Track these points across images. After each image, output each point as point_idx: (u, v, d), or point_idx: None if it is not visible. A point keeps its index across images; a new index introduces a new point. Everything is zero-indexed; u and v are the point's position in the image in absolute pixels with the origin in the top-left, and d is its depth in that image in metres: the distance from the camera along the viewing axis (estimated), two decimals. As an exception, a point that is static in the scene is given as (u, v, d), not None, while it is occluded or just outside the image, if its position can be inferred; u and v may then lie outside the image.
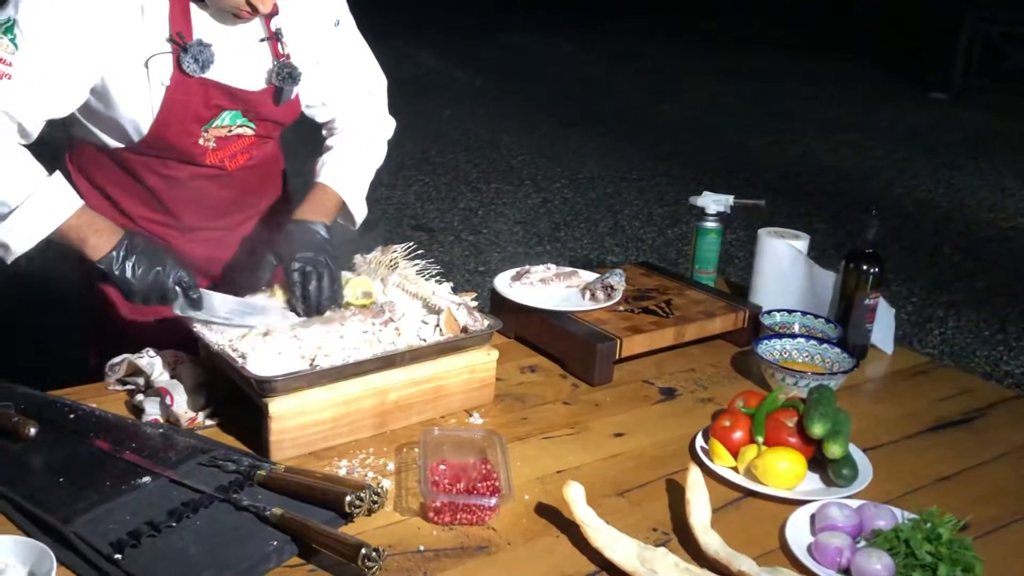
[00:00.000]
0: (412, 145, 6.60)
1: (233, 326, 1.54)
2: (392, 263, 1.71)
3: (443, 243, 5.16)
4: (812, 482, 1.43)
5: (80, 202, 1.52)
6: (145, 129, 1.61)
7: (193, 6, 1.56)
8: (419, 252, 1.74)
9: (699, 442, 1.51)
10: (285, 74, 1.67)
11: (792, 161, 7.08)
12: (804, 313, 1.95)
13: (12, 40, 1.43)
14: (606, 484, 1.41)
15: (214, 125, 1.67)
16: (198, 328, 1.52)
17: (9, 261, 1.52)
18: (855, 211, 5.70)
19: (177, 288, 1.50)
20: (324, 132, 1.93)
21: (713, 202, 2.16)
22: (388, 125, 1.97)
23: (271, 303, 1.62)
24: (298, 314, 1.59)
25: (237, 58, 1.63)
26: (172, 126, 1.62)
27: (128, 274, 1.49)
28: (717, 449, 1.46)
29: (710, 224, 2.16)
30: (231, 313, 1.56)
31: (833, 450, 1.41)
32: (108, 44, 1.50)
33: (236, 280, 1.77)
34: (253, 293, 1.65)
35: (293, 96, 1.73)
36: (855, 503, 1.33)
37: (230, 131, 1.70)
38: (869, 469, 1.44)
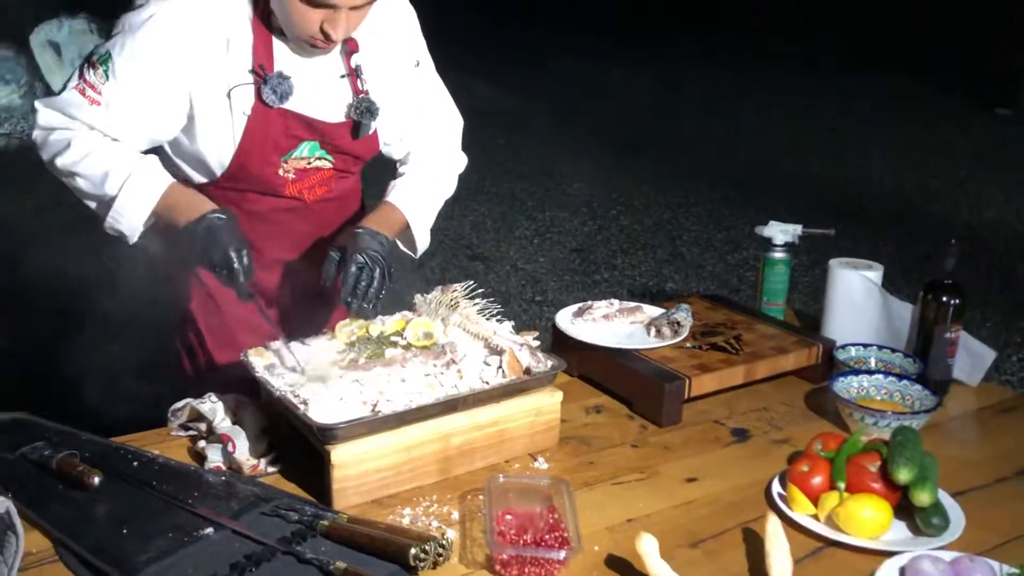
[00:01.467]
0: (467, 175, 6.54)
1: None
2: (452, 303, 1.68)
3: (499, 273, 5.13)
4: (898, 531, 1.36)
5: (169, 180, 1.61)
6: (227, 159, 1.66)
7: (276, 40, 1.63)
8: (479, 291, 1.71)
9: (776, 488, 1.45)
10: (364, 108, 1.71)
11: (853, 183, 6.92)
12: (880, 347, 1.87)
13: (105, 71, 1.57)
14: (679, 533, 1.35)
15: (293, 156, 1.71)
16: (260, 373, 1.50)
17: (132, 242, 1.63)
18: (922, 235, 5.54)
19: (233, 260, 1.52)
20: (398, 166, 1.94)
21: (780, 232, 2.09)
22: (460, 161, 1.98)
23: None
24: (348, 307, 1.61)
25: (317, 91, 1.68)
26: (253, 155, 1.66)
27: (194, 249, 1.54)
28: (796, 496, 1.39)
29: (778, 255, 2.09)
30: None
31: (921, 497, 1.33)
32: (196, 76, 1.59)
33: (298, 276, 1.80)
34: (315, 289, 1.69)
35: (371, 131, 1.76)
36: (948, 555, 1.25)
37: (309, 163, 1.74)
38: (961, 517, 1.36)
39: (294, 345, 1.59)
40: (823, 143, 8.05)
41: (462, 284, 1.71)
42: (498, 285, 4.92)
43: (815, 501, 1.38)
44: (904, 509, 1.37)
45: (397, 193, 1.83)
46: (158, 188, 1.59)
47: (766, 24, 13.88)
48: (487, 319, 1.66)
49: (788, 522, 1.35)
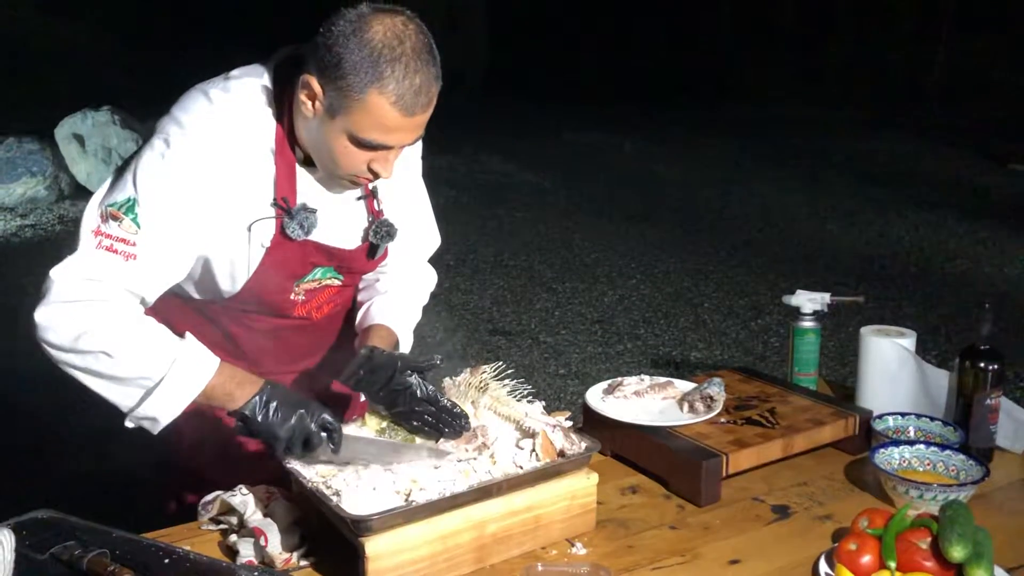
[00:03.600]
0: (485, 249, 6.65)
1: (379, 465, 1.48)
2: (482, 385, 1.66)
3: (521, 347, 5.12)
4: (955, 611, 1.30)
5: (218, 360, 1.49)
6: (239, 287, 1.61)
7: (299, 170, 1.57)
8: (509, 372, 1.69)
9: (823, 568, 1.40)
10: (383, 232, 1.69)
11: (871, 244, 6.91)
12: (919, 416, 1.83)
13: (134, 220, 1.44)
14: (727, 620, 1.31)
15: (306, 280, 1.68)
16: (291, 464, 1.48)
17: (156, 432, 1.49)
18: (946, 295, 5.50)
19: (322, 432, 1.45)
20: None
21: (809, 300, 2.07)
22: (433, 277, 1.95)
23: (410, 446, 1.53)
24: (438, 438, 1.53)
25: (336, 219, 1.64)
26: (267, 284, 1.63)
27: (271, 419, 1.44)
28: (845, 576, 1.34)
29: (807, 324, 2.07)
30: (375, 455, 1.49)
31: (978, 575, 1.28)
32: (218, 210, 1.51)
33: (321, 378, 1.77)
34: (343, 387, 1.62)
35: (383, 252, 1.75)
36: (1010, 637, 1.20)
37: (319, 284, 1.71)
38: (1019, 595, 1.31)
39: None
40: (838, 206, 8.07)
41: (491, 365, 1.70)
42: (520, 359, 4.90)
43: (865, 582, 1.33)
44: (959, 587, 1.32)
45: (386, 314, 1.77)
46: (206, 372, 1.46)
47: (773, 92, 14.07)
48: (518, 400, 1.64)
49: (839, 605, 1.30)
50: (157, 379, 1.44)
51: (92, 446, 3.24)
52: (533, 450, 1.52)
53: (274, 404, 1.45)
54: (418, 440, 1.55)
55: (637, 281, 6.23)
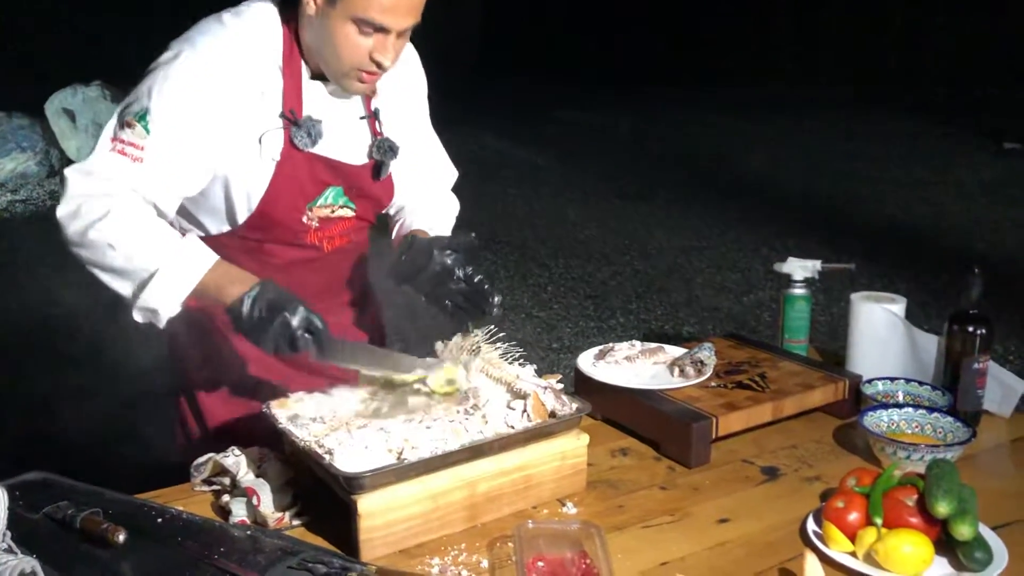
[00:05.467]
0: (479, 226, 6.62)
1: (367, 372, 1.56)
2: (474, 348, 1.67)
3: (515, 321, 5.12)
4: (940, 567, 1.32)
5: (216, 256, 1.53)
6: (254, 206, 1.65)
7: (305, 85, 1.64)
8: (500, 335, 1.70)
9: (811, 526, 1.41)
10: (385, 148, 1.74)
11: (867, 221, 6.92)
12: (908, 380, 1.84)
13: (145, 127, 1.53)
14: (715, 576, 1.32)
15: (318, 204, 1.71)
16: (283, 424, 1.49)
17: (162, 324, 1.53)
18: (939, 269, 5.51)
19: (306, 335, 1.45)
20: (395, 214, 1.92)
21: (800, 268, 2.08)
22: (456, 204, 1.99)
23: (401, 355, 1.60)
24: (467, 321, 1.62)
25: (341, 134, 1.69)
26: (279, 202, 1.66)
27: (256, 319, 1.45)
28: (832, 533, 1.35)
29: (798, 291, 2.08)
30: (364, 361, 1.55)
31: (962, 531, 1.30)
32: (229, 122, 1.58)
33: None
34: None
35: (389, 173, 1.78)
36: (994, 590, 1.22)
37: (332, 211, 1.73)
38: (1003, 551, 1.32)
39: (316, 395, 1.58)
40: (833, 184, 8.07)
41: (483, 329, 1.70)
42: (514, 333, 4.83)
43: (852, 538, 1.35)
44: (944, 544, 1.34)
45: (417, 222, 1.82)
46: (203, 264, 1.51)
47: (769, 71, 14.03)
48: (509, 363, 1.65)
49: (825, 560, 1.32)
50: (154, 269, 1.48)
51: (86, 409, 3.26)
52: (524, 411, 1.53)
53: (262, 303, 1.45)
54: (410, 402, 1.56)
55: (631, 257, 6.24)
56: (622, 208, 7.55)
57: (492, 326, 1.70)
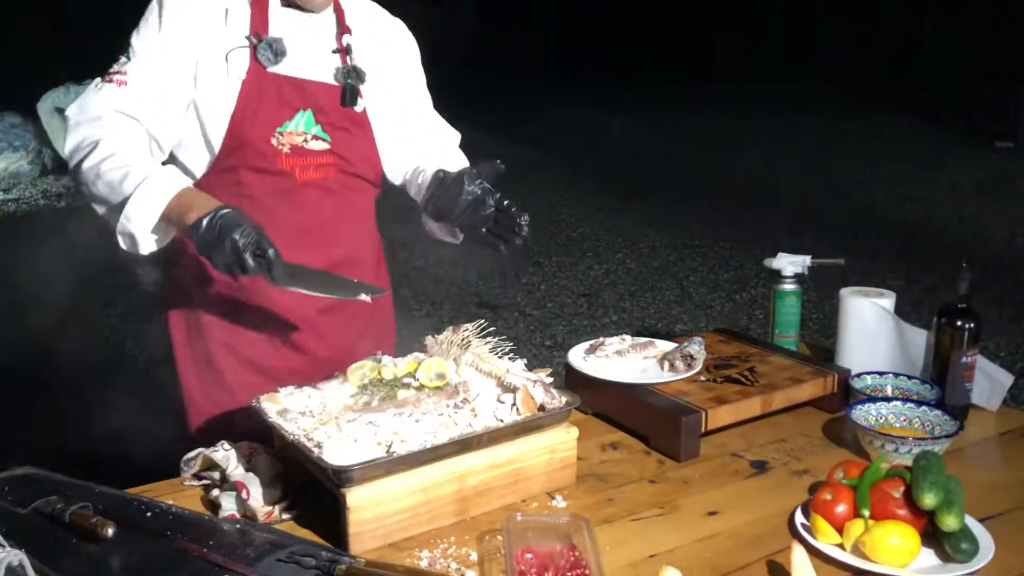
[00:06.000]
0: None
1: (318, 295, 1.64)
2: (464, 342, 1.67)
3: (508, 319, 5.13)
4: (927, 558, 1.33)
5: (185, 182, 1.60)
6: (224, 125, 1.70)
7: (274, 11, 1.74)
8: (491, 330, 1.70)
9: (799, 518, 1.42)
10: (350, 70, 1.79)
11: (858, 219, 6.94)
12: (896, 375, 1.85)
13: (127, 55, 1.70)
14: (703, 568, 1.32)
15: (288, 128, 1.74)
16: (273, 418, 1.49)
17: (144, 252, 1.60)
18: (930, 267, 5.54)
19: (256, 257, 1.48)
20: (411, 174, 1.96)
21: (790, 263, 2.09)
22: (465, 160, 2.02)
23: (347, 279, 1.68)
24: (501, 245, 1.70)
25: (309, 58, 1.76)
26: (247, 121, 1.70)
27: (209, 241, 1.49)
28: (820, 525, 1.36)
29: (788, 286, 2.09)
30: (311, 284, 1.59)
31: (948, 522, 1.30)
32: (199, 43, 1.70)
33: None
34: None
35: (360, 109, 1.81)
36: (980, 580, 1.23)
37: (305, 140, 1.76)
38: (990, 542, 1.33)
39: (306, 389, 1.59)
40: (825, 182, 8.10)
41: (473, 324, 1.71)
42: (507, 331, 4.88)
43: (840, 530, 1.35)
44: (931, 536, 1.34)
45: (438, 165, 1.84)
46: (172, 188, 1.57)
47: (761, 71, 14.06)
48: (499, 357, 1.65)
49: (814, 552, 1.32)
50: (128, 193, 1.56)
51: (76, 403, 3.26)
52: (514, 404, 1.53)
53: (216, 224, 1.49)
54: (400, 395, 1.56)
55: (623, 255, 6.25)
56: (615, 206, 7.56)
57: (482, 321, 1.70)
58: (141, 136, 1.68)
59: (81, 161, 1.64)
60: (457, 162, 1.97)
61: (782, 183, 8.18)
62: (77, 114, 1.68)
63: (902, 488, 1.37)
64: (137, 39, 1.71)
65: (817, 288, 4.82)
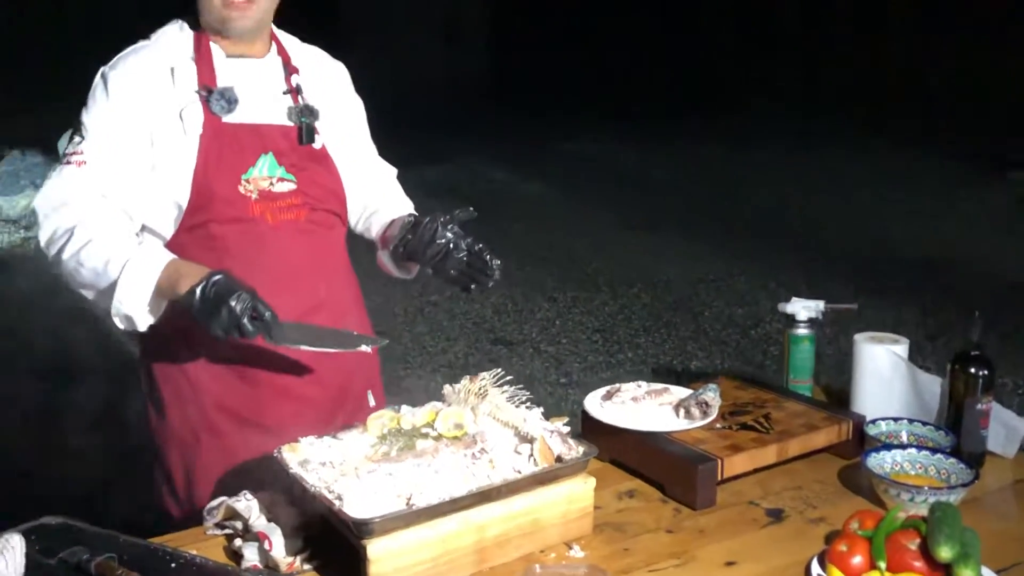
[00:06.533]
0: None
1: (315, 351, 1.67)
2: (481, 391, 1.69)
3: (523, 356, 5.15)
4: (944, 611, 1.33)
5: (169, 256, 1.64)
6: (188, 184, 1.71)
7: (220, 64, 1.77)
8: (507, 378, 1.72)
9: (815, 569, 1.43)
10: (303, 108, 1.83)
11: (871, 252, 6.94)
12: (911, 420, 1.86)
13: (81, 134, 1.71)
14: (721, 620, 1.33)
15: (253, 174, 1.76)
16: (294, 469, 1.51)
17: (141, 328, 1.65)
18: (945, 302, 5.52)
19: (252, 320, 1.52)
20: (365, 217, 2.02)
21: (803, 308, 2.10)
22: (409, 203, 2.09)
23: (345, 332, 1.74)
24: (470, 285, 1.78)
25: (262, 104, 1.80)
26: (211, 173, 1.72)
27: (205, 309, 1.53)
28: (836, 577, 1.37)
29: (802, 331, 2.10)
30: (311, 340, 1.64)
31: (965, 575, 1.31)
32: (149, 107, 1.71)
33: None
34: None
35: (319, 145, 1.85)
36: (997, 635, 1.23)
37: (271, 184, 1.78)
38: (1007, 595, 1.34)
39: (326, 439, 1.61)
40: (838, 215, 8.10)
41: (490, 372, 1.73)
42: (522, 368, 4.93)
43: (856, 582, 1.36)
44: (948, 588, 1.35)
45: (399, 210, 1.95)
46: (158, 264, 1.61)
47: (771, 102, 14.11)
48: (516, 406, 1.67)
49: (830, 605, 1.33)
50: (115, 276, 1.60)
51: (97, 453, 3.29)
52: (531, 455, 1.55)
53: (209, 293, 1.53)
54: (418, 445, 1.58)
55: (638, 290, 6.26)
56: (628, 240, 7.58)
57: (499, 369, 1.72)
58: (112, 213, 1.69)
59: (60, 251, 1.65)
60: (400, 199, 2.05)
61: (794, 216, 8.20)
62: (44, 204, 1.68)
63: (918, 540, 1.38)
64: (87, 116, 1.72)
65: (832, 323, 4.82)
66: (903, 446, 1.75)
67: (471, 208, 1.79)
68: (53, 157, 8.71)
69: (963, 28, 12.64)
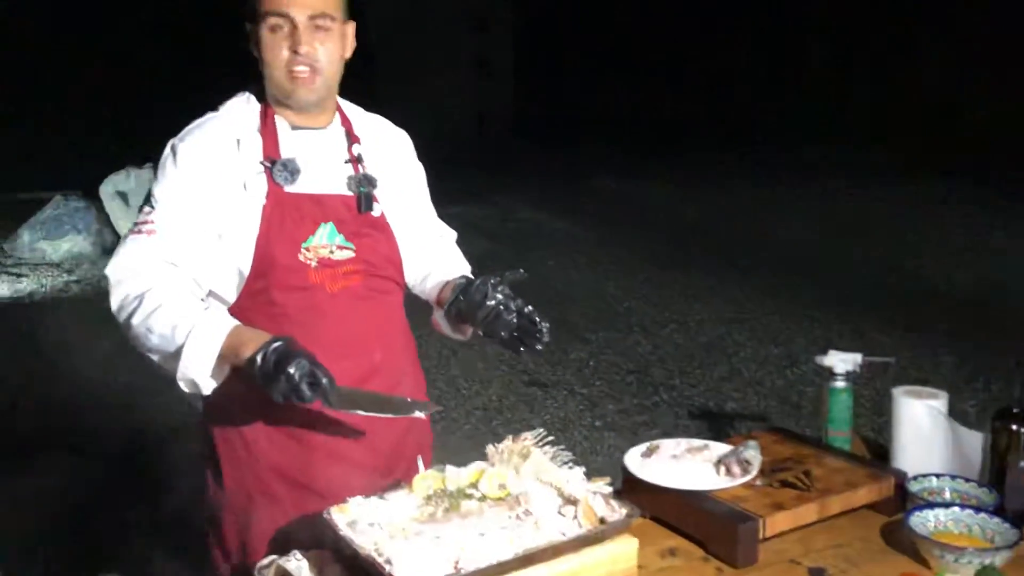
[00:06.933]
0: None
1: (371, 415, 1.70)
2: (524, 452, 1.72)
3: (557, 398, 5.16)
4: (992, 677, 1.33)
5: (233, 322, 1.69)
6: (251, 253, 1.77)
7: (284, 136, 1.83)
8: (549, 439, 1.75)
9: (860, 632, 1.43)
10: (362, 178, 1.87)
11: (909, 290, 6.89)
12: (954, 477, 1.86)
13: (151, 204, 1.79)
14: None
15: (313, 242, 1.81)
16: (343, 531, 1.55)
17: (205, 392, 1.70)
18: (985, 342, 5.46)
19: (310, 386, 1.57)
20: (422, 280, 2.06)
21: (841, 361, 2.11)
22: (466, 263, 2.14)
23: (400, 398, 1.78)
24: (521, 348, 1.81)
25: (324, 174, 1.85)
26: (272, 241, 1.78)
27: (266, 374, 1.58)
28: (882, 642, 1.37)
29: (840, 384, 2.11)
30: (366, 406, 1.67)
31: (1012, 642, 1.31)
32: (216, 178, 1.78)
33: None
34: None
35: (378, 213, 1.89)
36: None
37: (331, 252, 1.83)
38: (1055, 661, 1.33)
39: (373, 499, 1.64)
40: (871, 250, 8.06)
41: (532, 432, 1.76)
42: (556, 411, 4.94)
43: (902, 647, 1.36)
44: (995, 653, 1.35)
45: (454, 271, 1.99)
46: (222, 330, 1.66)
47: (801, 137, 14.10)
48: (559, 467, 1.70)
49: (877, 671, 1.33)
50: (182, 342, 1.65)
51: (149, 501, 3.34)
52: (575, 517, 1.57)
53: (271, 359, 1.58)
54: (463, 506, 1.61)
55: (671, 331, 6.27)
56: (660, 278, 7.60)
57: (542, 431, 1.75)
58: (180, 281, 1.75)
59: (129, 317, 1.71)
60: (459, 262, 2.09)
61: (826, 251, 8.17)
62: (115, 272, 1.76)
63: (964, 604, 1.38)
64: (157, 187, 1.80)
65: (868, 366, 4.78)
66: (946, 504, 1.75)
67: (521, 270, 1.84)
68: (94, 201, 8.93)
69: (998, 62, 12.59)
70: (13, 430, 4.42)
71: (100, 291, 8.22)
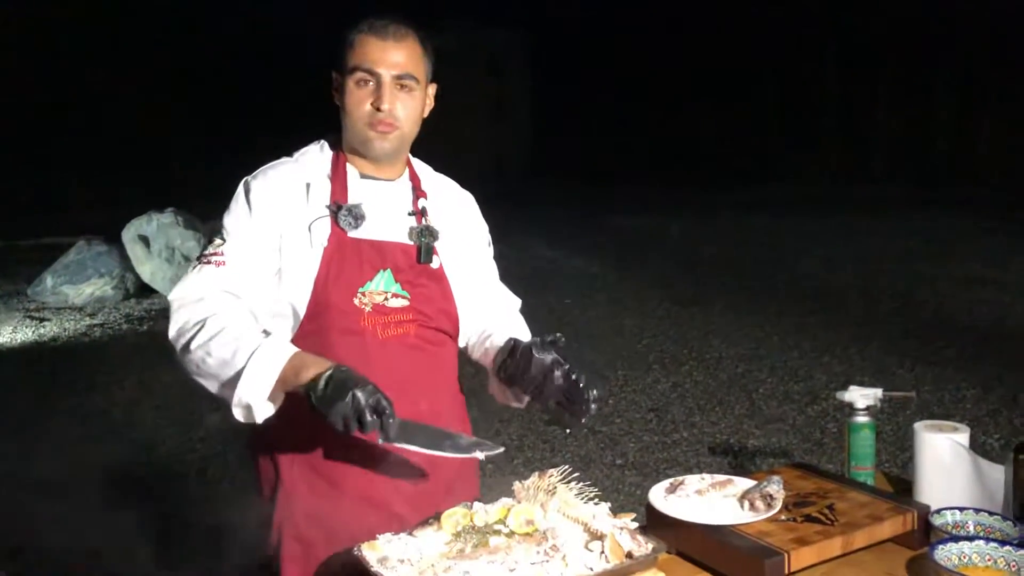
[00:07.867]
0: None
1: (430, 453, 1.68)
2: (551, 488, 1.75)
3: (577, 437, 5.16)
4: None
5: (292, 350, 1.69)
6: (308, 292, 1.81)
7: (353, 183, 1.88)
8: (574, 476, 1.78)
9: (888, 666, 1.44)
10: (424, 229, 1.91)
11: (927, 322, 6.88)
12: (977, 511, 1.86)
13: (223, 236, 1.84)
14: None
15: (370, 288, 1.85)
16: (375, 568, 1.57)
17: (258, 420, 1.70)
18: (1005, 373, 5.44)
19: (373, 415, 1.58)
20: (479, 337, 2.03)
21: (861, 396, 2.13)
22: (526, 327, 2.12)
23: (459, 435, 1.74)
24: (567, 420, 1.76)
25: (387, 223, 1.89)
26: (330, 284, 1.81)
27: (326, 399, 1.58)
28: (910, 675, 1.38)
29: (862, 419, 2.13)
30: (425, 442, 1.67)
31: (1040, 674, 1.32)
32: (284, 217, 1.83)
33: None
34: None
35: (437, 265, 1.91)
36: None
37: (386, 298, 1.86)
38: None
39: (403, 536, 1.67)
40: (893, 282, 8.06)
41: (558, 468, 1.78)
42: (577, 449, 4.95)
43: None
44: None
45: (507, 333, 1.95)
46: (284, 353, 1.67)
47: (817, 171, 14.15)
48: (584, 502, 1.72)
49: None
50: (241, 366, 1.66)
51: (178, 542, 3.37)
52: (602, 552, 1.60)
53: (335, 382, 1.59)
54: (491, 542, 1.64)
55: (690, 367, 6.27)
56: (678, 315, 7.61)
57: (567, 467, 1.78)
58: (245, 312, 1.78)
59: (189, 342, 1.72)
60: (520, 328, 2.07)
61: (844, 286, 8.17)
62: (180, 297, 1.79)
63: (991, 637, 1.39)
64: (229, 220, 1.84)
65: (889, 401, 4.78)
66: (970, 537, 1.76)
67: (558, 334, 1.80)
68: (117, 246, 9.06)
69: (1010, 98, 12.64)
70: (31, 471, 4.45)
71: (122, 334, 8.35)
